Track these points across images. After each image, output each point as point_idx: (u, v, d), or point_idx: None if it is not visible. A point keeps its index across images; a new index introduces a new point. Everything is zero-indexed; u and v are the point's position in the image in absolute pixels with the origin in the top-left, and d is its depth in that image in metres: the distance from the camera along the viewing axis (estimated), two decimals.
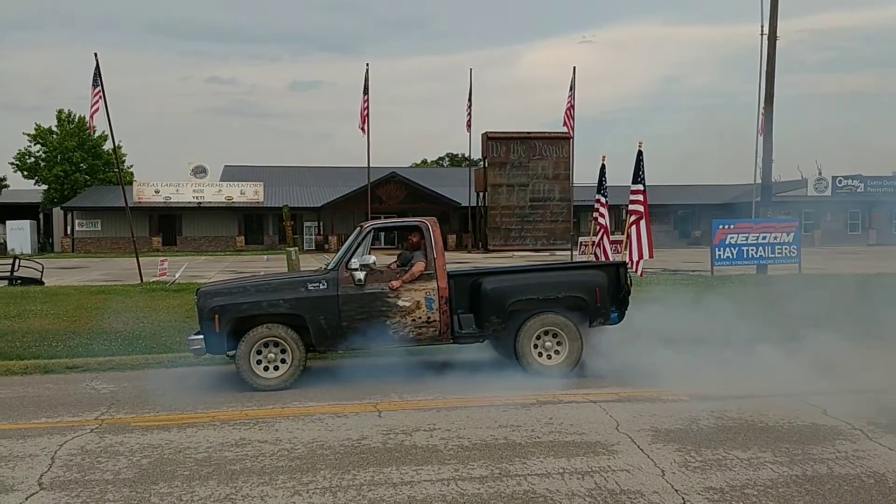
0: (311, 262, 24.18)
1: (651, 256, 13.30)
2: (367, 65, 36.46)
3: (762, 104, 23.35)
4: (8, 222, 47.69)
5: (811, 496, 4.56)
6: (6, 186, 54.79)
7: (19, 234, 46.88)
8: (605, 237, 14.65)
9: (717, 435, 5.84)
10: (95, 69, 19.19)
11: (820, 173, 51.09)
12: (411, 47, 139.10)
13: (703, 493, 4.64)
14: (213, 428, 6.19)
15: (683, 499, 4.55)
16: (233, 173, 56.01)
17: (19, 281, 19.97)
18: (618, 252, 15.61)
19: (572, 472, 5.04)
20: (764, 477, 4.89)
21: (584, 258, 20.13)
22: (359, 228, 8.35)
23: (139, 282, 19.74)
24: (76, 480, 4.96)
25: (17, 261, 21.14)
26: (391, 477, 4.95)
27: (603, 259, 14.01)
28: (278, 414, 6.61)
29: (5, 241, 46.63)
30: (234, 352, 7.67)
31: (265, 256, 38.20)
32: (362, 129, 36.30)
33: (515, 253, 41.11)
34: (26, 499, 4.65)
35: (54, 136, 54.17)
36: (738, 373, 7.59)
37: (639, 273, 13.07)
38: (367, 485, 4.82)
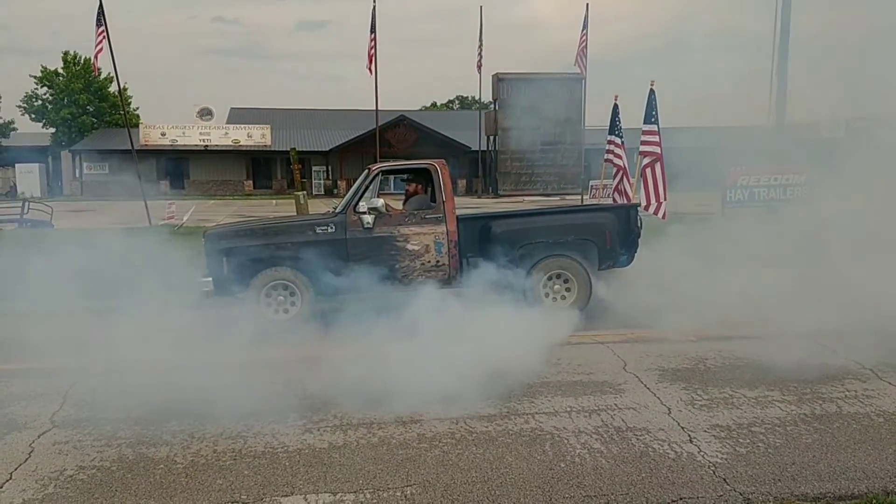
0: (321, 207, 24.08)
1: (664, 199, 13.05)
2: (374, 2, 35.66)
3: (777, 44, 22.81)
4: (17, 165, 47.64)
5: (819, 434, 4.57)
6: (15, 129, 54.63)
7: (29, 177, 46.85)
8: (624, 178, 14.25)
9: (724, 374, 5.86)
10: (99, 8, 18.94)
11: (834, 115, 50.11)
12: None
13: (709, 430, 4.66)
14: (223, 369, 6.22)
15: (689, 435, 4.57)
16: (239, 116, 55.46)
17: (29, 224, 20.05)
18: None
19: (579, 410, 5.07)
20: (771, 415, 4.91)
21: (595, 202, 19.88)
22: (367, 171, 8.26)
23: (147, 225, 19.79)
24: (88, 418, 5.03)
25: (27, 203, 21.18)
26: (401, 415, 4.99)
27: (624, 201, 13.75)
28: (287, 356, 6.64)
29: (15, 185, 46.68)
30: (242, 294, 7.68)
31: (274, 201, 38.12)
32: (369, 69, 35.65)
33: (526, 198, 40.84)
34: (39, 436, 4.72)
35: (60, 78, 53.73)
36: (747, 313, 7.52)
37: (661, 216, 12.75)
38: (377, 423, 4.86)
